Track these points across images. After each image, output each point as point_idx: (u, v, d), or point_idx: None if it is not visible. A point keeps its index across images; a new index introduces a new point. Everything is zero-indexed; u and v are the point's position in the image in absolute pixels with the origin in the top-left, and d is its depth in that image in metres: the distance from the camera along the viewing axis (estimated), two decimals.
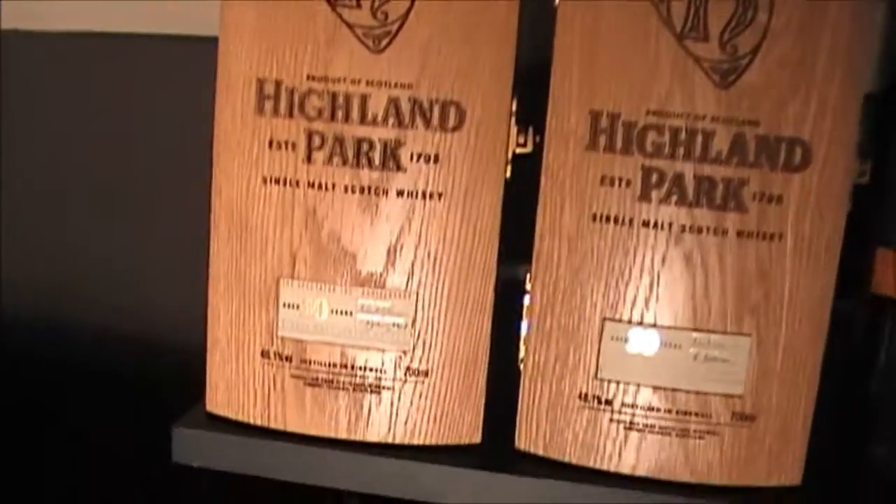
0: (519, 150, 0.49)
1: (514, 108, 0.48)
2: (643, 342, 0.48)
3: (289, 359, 0.50)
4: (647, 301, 0.48)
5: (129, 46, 0.70)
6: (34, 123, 0.76)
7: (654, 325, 0.48)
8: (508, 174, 0.48)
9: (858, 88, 0.46)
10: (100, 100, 0.74)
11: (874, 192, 0.49)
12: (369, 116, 0.47)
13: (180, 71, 0.71)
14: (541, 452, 0.50)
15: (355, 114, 0.47)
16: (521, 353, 0.50)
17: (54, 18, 0.74)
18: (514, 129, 0.48)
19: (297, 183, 0.48)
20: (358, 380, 0.50)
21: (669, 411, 0.49)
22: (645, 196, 0.47)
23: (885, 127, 0.49)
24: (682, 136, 0.46)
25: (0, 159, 0.76)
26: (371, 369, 0.50)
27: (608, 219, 0.47)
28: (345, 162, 0.48)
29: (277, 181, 0.48)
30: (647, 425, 0.49)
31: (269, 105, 0.48)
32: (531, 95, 0.48)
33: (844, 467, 0.51)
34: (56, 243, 0.76)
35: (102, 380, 0.73)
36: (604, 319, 0.48)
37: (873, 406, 0.51)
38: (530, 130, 0.49)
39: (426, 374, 0.50)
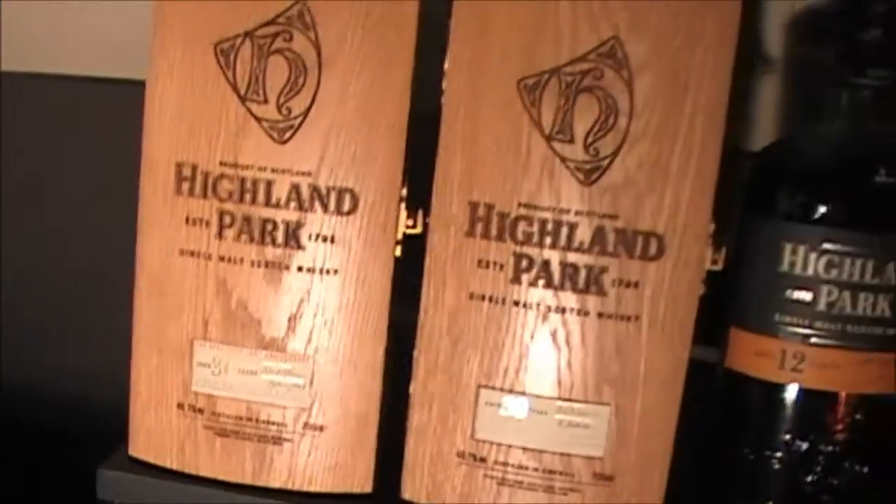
0: (409, 231, 0.54)
1: (404, 193, 0.54)
2: (514, 408, 0.54)
3: (201, 411, 0.56)
4: (517, 371, 0.53)
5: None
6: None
7: (524, 394, 0.53)
8: (399, 253, 0.54)
9: (710, 186, 0.51)
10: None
11: (728, 276, 0.54)
12: (273, 200, 0.53)
13: None
14: (423, 502, 0.56)
15: (261, 197, 0.53)
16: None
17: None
18: (403, 213, 0.54)
19: (210, 256, 0.54)
20: (262, 432, 0.56)
21: (537, 470, 0.54)
22: (516, 279, 0.53)
23: (741, 218, 0.55)
24: (549, 227, 0.52)
25: None
26: (273, 423, 0.55)
27: (483, 297, 0.53)
28: (252, 239, 0.54)
29: (192, 254, 0.54)
30: (516, 481, 0.54)
31: (186, 186, 0.54)
32: (424, 180, 0.54)
33: None
34: None
35: (32, 435, 0.78)
36: (479, 386, 0.54)
37: (731, 471, 0.57)
38: (420, 213, 0.54)
39: (322, 428, 0.55)
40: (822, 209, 0.53)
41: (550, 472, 0.54)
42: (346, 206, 0.53)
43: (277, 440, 0.56)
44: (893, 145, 0.54)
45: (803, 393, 0.54)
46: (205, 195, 0.54)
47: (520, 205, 0.52)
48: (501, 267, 0.53)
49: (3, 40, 0.77)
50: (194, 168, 0.54)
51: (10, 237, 0.79)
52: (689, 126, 0.51)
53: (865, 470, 0.54)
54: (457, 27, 0.52)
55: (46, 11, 0.77)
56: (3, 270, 0.79)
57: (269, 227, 0.53)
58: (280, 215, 0.53)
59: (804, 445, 0.54)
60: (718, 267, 0.53)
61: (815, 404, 0.54)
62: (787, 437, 0.54)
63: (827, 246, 0.52)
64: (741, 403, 0.56)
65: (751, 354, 0.54)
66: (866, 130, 0.54)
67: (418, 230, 0.54)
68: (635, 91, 0.51)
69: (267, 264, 0.54)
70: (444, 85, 0.52)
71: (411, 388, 0.55)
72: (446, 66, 0.52)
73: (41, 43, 0.77)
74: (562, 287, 0.52)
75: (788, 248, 0.53)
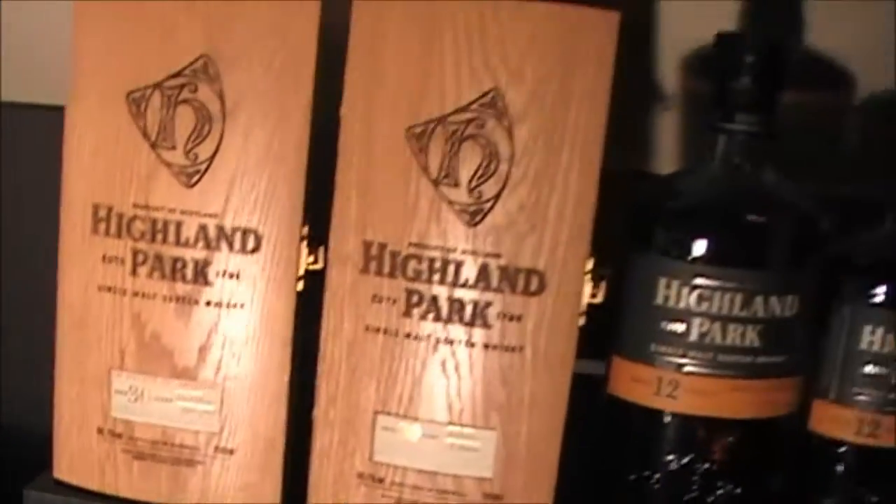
0: (312, 267, 0.58)
1: (305, 232, 0.58)
2: (408, 432, 0.58)
3: (120, 436, 0.60)
4: (411, 398, 0.57)
5: None
6: None
7: (417, 419, 0.57)
8: (301, 287, 0.58)
9: (587, 227, 0.55)
10: None
11: (609, 308, 0.58)
12: (183, 239, 0.57)
13: None
14: None
15: (171, 237, 0.57)
16: None
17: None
18: (304, 251, 0.58)
19: (125, 291, 0.58)
20: (176, 455, 0.59)
21: (430, 490, 0.58)
22: (408, 313, 0.57)
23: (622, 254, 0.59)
24: (438, 264, 0.56)
25: None
26: (186, 447, 0.59)
27: (378, 330, 0.57)
28: (163, 276, 0.58)
29: (109, 289, 0.58)
30: (412, 501, 0.59)
31: (102, 226, 0.58)
32: (326, 218, 0.58)
33: None
34: None
35: None
36: (376, 412, 0.58)
37: (616, 491, 0.60)
38: (321, 250, 0.58)
39: (232, 451, 0.59)
40: (695, 246, 0.56)
41: (443, 491, 0.58)
42: (251, 245, 0.57)
43: (190, 462, 0.59)
44: (763, 187, 0.58)
45: (679, 417, 0.57)
46: (119, 235, 0.57)
47: (410, 244, 0.56)
48: (394, 301, 0.56)
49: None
50: (109, 209, 0.57)
51: None
52: (566, 171, 0.55)
53: (738, 490, 0.58)
54: (350, 78, 0.55)
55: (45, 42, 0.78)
56: None
57: (179, 264, 0.57)
58: (189, 254, 0.57)
59: (680, 466, 0.58)
60: (598, 300, 0.57)
61: (690, 428, 0.58)
62: (665, 458, 0.58)
63: (698, 281, 0.56)
64: (622, 426, 0.59)
65: (629, 381, 0.58)
66: (738, 173, 0.58)
67: (320, 265, 0.58)
68: (515, 139, 0.54)
69: (178, 299, 0.58)
70: (340, 132, 0.56)
71: (314, 414, 0.59)
72: (341, 113, 0.56)
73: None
74: (450, 320, 0.56)
75: (663, 282, 0.57)
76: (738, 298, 0.56)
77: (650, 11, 0.72)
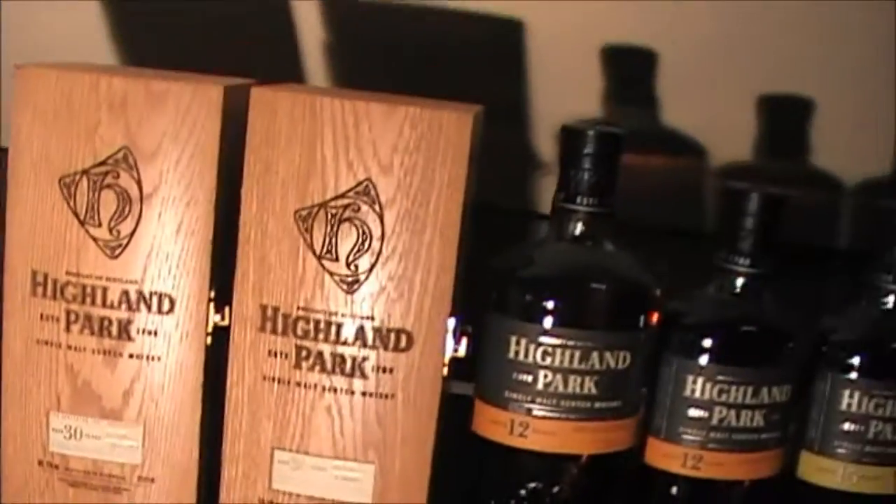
0: (220, 324, 0.68)
1: (212, 295, 0.68)
2: (301, 465, 0.68)
3: (57, 467, 0.70)
4: (302, 437, 0.68)
5: None
6: None
7: (307, 454, 0.68)
8: (210, 342, 0.68)
9: (448, 294, 0.66)
10: None
11: (472, 361, 0.69)
12: (108, 302, 0.67)
13: None
14: None
15: (99, 300, 0.67)
16: None
17: None
18: (212, 311, 0.68)
19: (60, 345, 0.68)
20: (105, 483, 0.70)
21: None
22: (298, 365, 0.67)
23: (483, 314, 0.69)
24: (322, 325, 0.66)
25: None
26: (114, 476, 0.70)
27: (274, 379, 0.67)
28: (92, 332, 0.68)
29: (46, 343, 0.68)
30: None
31: (39, 289, 0.68)
32: (230, 284, 0.68)
33: None
34: None
35: None
36: (273, 448, 0.68)
37: None
38: (227, 309, 0.68)
39: (153, 480, 0.70)
40: (541, 310, 0.67)
41: None
42: (166, 306, 0.67)
43: (118, 490, 0.70)
44: (601, 259, 0.68)
45: (529, 453, 0.68)
46: (55, 297, 0.68)
47: (299, 308, 0.66)
48: (286, 356, 0.67)
49: None
50: (45, 275, 0.68)
51: None
52: (429, 247, 0.65)
53: None
54: (248, 165, 0.66)
55: None
56: None
57: (106, 323, 0.68)
58: (114, 314, 0.67)
59: (531, 495, 0.68)
60: (461, 354, 0.68)
61: (538, 462, 0.68)
62: (518, 488, 0.69)
63: (543, 339, 0.67)
64: (485, 461, 0.70)
65: (488, 422, 0.69)
66: (580, 246, 0.68)
67: (227, 322, 0.68)
68: (385, 221, 0.65)
69: (105, 352, 0.68)
70: (241, 211, 0.66)
71: (223, 449, 0.69)
72: (242, 194, 0.66)
73: None
74: (333, 372, 0.67)
75: (514, 339, 0.67)
76: (577, 354, 0.67)
77: (527, 92, 0.83)
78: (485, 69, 0.85)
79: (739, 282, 0.69)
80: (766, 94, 0.86)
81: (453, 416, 0.71)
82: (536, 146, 0.81)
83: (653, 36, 0.81)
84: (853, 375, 0.69)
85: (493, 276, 0.69)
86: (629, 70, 0.86)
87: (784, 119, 0.86)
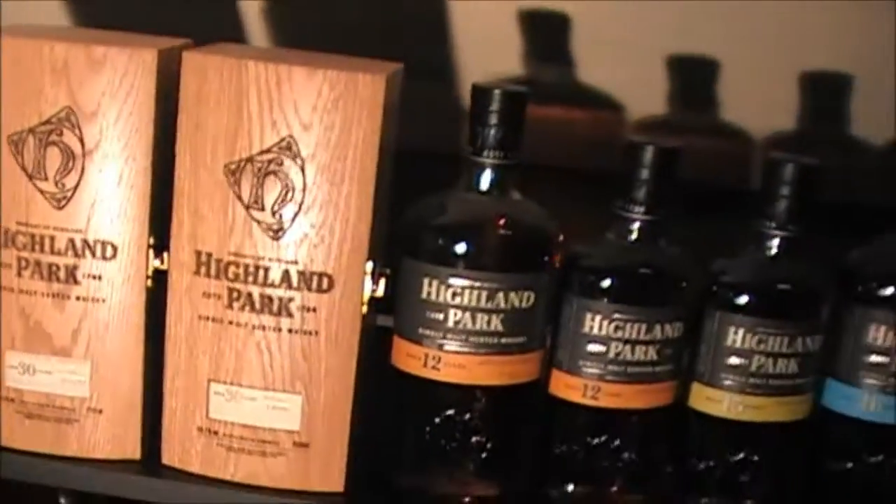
0: (160, 268, 0.75)
1: (152, 242, 0.74)
2: (235, 396, 0.75)
3: (13, 400, 0.77)
4: (235, 370, 0.75)
5: None
6: None
7: (241, 386, 0.75)
8: (151, 284, 0.75)
9: (365, 240, 0.72)
10: None
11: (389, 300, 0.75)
12: (56, 249, 0.74)
13: None
14: (177, 465, 0.77)
15: (47, 248, 0.74)
16: None
17: None
18: (152, 256, 0.74)
19: (13, 290, 0.75)
20: (58, 415, 0.77)
21: (253, 440, 0.76)
22: (230, 306, 0.74)
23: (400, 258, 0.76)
24: (251, 269, 0.73)
25: None
26: (66, 408, 0.77)
27: (209, 318, 0.74)
28: (42, 277, 0.74)
29: (2, 289, 0.75)
30: (240, 448, 0.76)
31: None
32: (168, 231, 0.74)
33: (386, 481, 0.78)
34: None
35: None
36: (209, 380, 0.75)
37: (404, 440, 0.78)
38: (166, 254, 0.75)
39: (101, 411, 0.77)
40: (450, 254, 0.73)
41: (263, 441, 0.76)
42: (109, 253, 0.74)
43: (69, 420, 0.77)
44: (506, 207, 0.75)
45: (441, 384, 0.75)
46: (7, 246, 0.74)
47: (229, 253, 0.73)
48: (219, 297, 0.74)
49: None
50: None
51: None
52: (347, 198, 0.71)
53: (490, 441, 0.76)
54: (181, 123, 0.72)
55: None
56: None
57: (54, 268, 0.74)
58: (61, 261, 0.74)
59: (444, 422, 0.75)
60: (379, 294, 0.74)
61: (450, 392, 0.75)
62: (433, 416, 0.76)
63: (452, 281, 0.73)
64: (403, 391, 0.77)
65: (405, 356, 0.76)
66: (487, 196, 0.75)
67: (165, 267, 0.75)
68: (306, 174, 0.71)
69: (54, 295, 0.75)
70: (175, 165, 0.73)
71: (164, 382, 0.76)
72: (176, 150, 0.72)
73: None
74: (262, 311, 0.73)
75: (426, 281, 0.74)
76: (484, 294, 0.73)
77: (453, 51, 0.89)
78: (416, 29, 0.91)
79: (635, 227, 0.75)
80: (676, 53, 0.92)
81: (383, 350, 0.77)
82: (464, 100, 0.87)
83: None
84: (738, 314, 0.75)
85: (408, 224, 0.75)
86: (546, 32, 0.92)
87: (693, 76, 0.93)
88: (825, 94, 0.94)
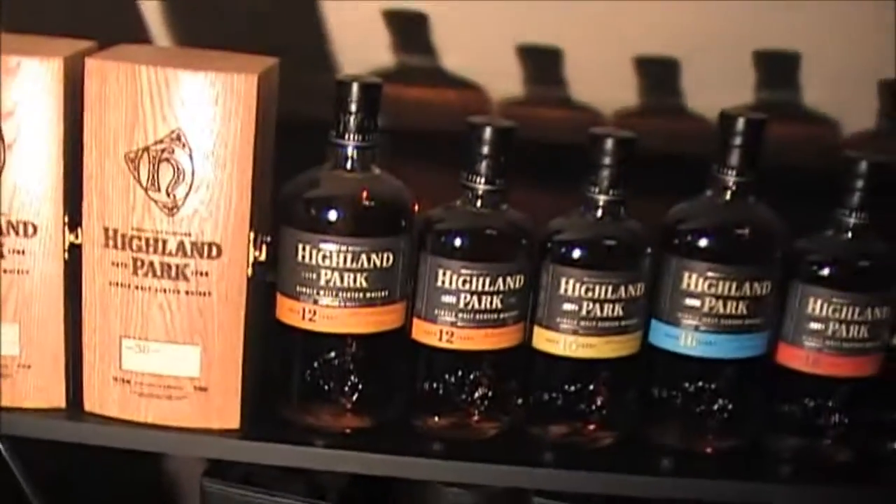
0: (76, 242, 0.88)
1: (66, 220, 0.88)
2: (143, 349, 0.89)
3: None
4: (143, 327, 0.88)
5: None
6: None
7: (147, 340, 0.88)
8: (67, 257, 0.88)
9: (246, 216, 0.85)
10: None
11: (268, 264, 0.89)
12: None
13: None
14: (97, 411, 0.91)
15: None
16: None
17: None
18: (67, 233, 0.88)
19: None
20: None
21: (161, 386, 0.89)
22: (135, 273, 0.87)
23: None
24: (151, 242, 0.86)
25: None
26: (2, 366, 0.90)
27: (118, 284, 0.87)
28: None
29: None
30: (150, 394, 0.90)
31: None
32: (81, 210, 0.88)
33: (276, 418, 0.92)
34: None
35: None
36: (121, 336, 0.89)
37: (290, 381, 0.92)
38: (79, 230, 0.88)
39: (29, 367, 0.90)
40: (321, 222, 0.87)
41: (168, 387, 0.89)
42: (30, 231, 0.87)
43: (5, 376, 0.90)
44: (369, 181, 0.88)
45: (319, 334, 0.89)
46: None
47: (132, 229, 0.86)
48: (126, 265, 0.87)
49: None
50: None
51: None
52: (229, 180, 0.85)
53: (363, 381, 0.90)
54: (86, 121, 0.85)
55: None
56: None
57: None
58: None
59: (323, 366, 0.89)
60: (262, 258, 0.88)
61: (328, 341, 0.89)
62: (312, 361, 0.89)
63: (323, 245, 0.87)
64: (287, 340, 0.91)
65: (287, 311, 0.89)
66: (351, 172, 0.88)
67: (79, 241, 0.88)
68: (194, 160, 0.84)
69: None
70: (84, 155, 0.86)
71: (83, 340, 0.90)
72: (83, 143, 0.86)
73: None
74: (162, 277, 0.87)
75: (301, 246, 0.87)
76: (350, 256, 0.87)
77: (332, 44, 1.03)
78: (300, 25, 1.05)
79: (480, 193, 0.89)
80: (524, 42, 1.06)
81: (273, 305, 0.91)
82: None
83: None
84: (569, 267, 0.89)
85: (284, 197, 0.89)
86: (409, 27, 1.06)
87: (539, 61, 1.08)
88: (656, 73, 1.09)
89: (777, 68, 1.08)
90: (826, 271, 0.92)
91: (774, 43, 1.06)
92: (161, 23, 1.08)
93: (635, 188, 0.90)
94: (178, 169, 0.84)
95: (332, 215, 0.87)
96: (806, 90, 1.08)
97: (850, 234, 0.92)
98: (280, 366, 0.92)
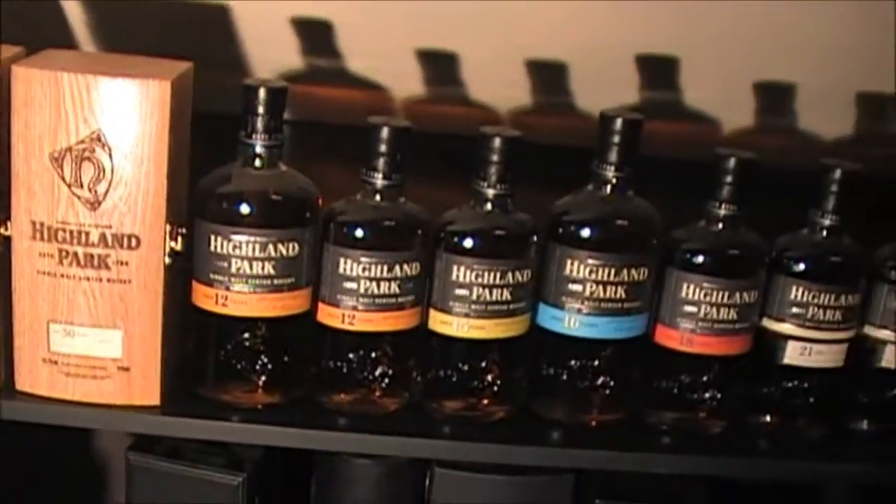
0: (6, 234, 0.96)
1: None
2: (70, 333, 0.97)
3: None
4: (69, 313, 0.96)
5: None
6: None
7: (73, 324, 0.96)
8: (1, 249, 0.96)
9: (161, 209, 0.94)
10: None
11: (184, 253, 0.97)
12: None
13: None
14: (28, 389, 0.99)
15: None
16: None
17: None
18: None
19: None
20: None
21: (87, 367, 0.97)
22: (61, 262, 0.95)
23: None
24: (75, 233, 0.94)
25: None
26: None
27: (46, 273, 0.95)
28: None
29: None
30: (76, 374, 0.97)
31: None
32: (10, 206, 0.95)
33: (194, 394, 1.01)
34: None
35: None
36: (48, 321, 0.97)
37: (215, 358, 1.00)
38: (8, 223, 0.96)
39: None
40: (233, 214, 0.95)
41: (94, 367, 0.97)
42: None
43: None
44: (277, 176, 0.97)
45: (232, 318, 0.97)
46: None
47: (58, 222, 0.94)
48: (52, 256, 0.95)
49: None
50: None
51: None
52: (146, 177, 0.93)
53: (272, 360, 0.98)
54: (13, 124, 0.93)
55: None
56: None
57: None
58: None
59: (236, 347, 0.97)
60: (179, 248, 0.96)
61: (239, 324, 0.97)
62: (226, 341, 0.98)
63: (234, 237, 0.95)
64: (203, 323, 0.99)
65: (202, 296, 0.98)
66: (259, 169, 0.97)
67: (10, 234, 0.96)
68: (114, 158, 0.92)
69: None
70: (10, 154, 0.94)
71: (13, 325, 0.98)
72: (11, 144, 0.94)
73: None
74: (86, 266, 0.95)
75: (213, 237, 0.95)
76: (258, 246, 0.95)
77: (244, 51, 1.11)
78: (217, 33, 1.14)
79: (378, 188, 0.97)
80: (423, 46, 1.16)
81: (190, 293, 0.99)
82: None
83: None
84: (460, 255, 0.98)
85: (199, 192, 0.97)
86: (315, 33, 1.16)
87: (436, 64, 1.18)
88: (547, 74, 1.18)
89: (658, 71, 1.18)
90: (698, 259, 1.01)
91: (656, 48, 1.15)
92: (85, 29, 1.16)
93: (528, 181, 0.98)
94: (98, 167, 0.92)
95: (242, 209, 0.95)
96: (686, 91, 1.17)
97: (720, 225, 1.01)
98: (197, 347, 1.00)
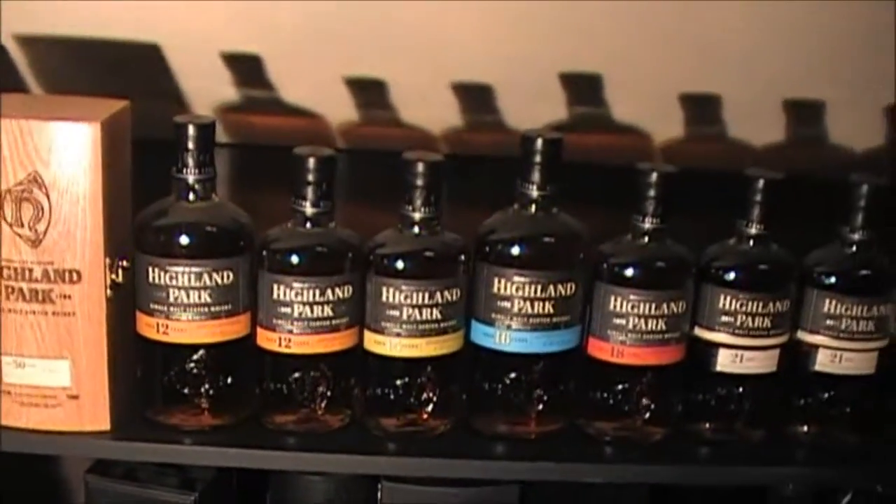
0: None
1: None
2: (21, 364, 1.02)
3: None
4: (18, 345, 1.01)
5: None
6: None
7: (23, 356, 1.02)
8: None
9: (100, 244, 0.99)
10: None
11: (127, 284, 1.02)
12: None
13: None
14: None
15: None
16: None
17: None
18: None
19: None
20: None
21: (38, 395, 1.02)
22: (8, 298, 1.00)
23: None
24: (19, 270, 0.99)
25: None
26: None
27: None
28: None
29: None
30: (30, 402, 1.03)
31: None
32: None
33: (143, 418, 1.05)
34: None
35: None
36: (3, 354, 1.02)
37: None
38: None
39: None
40: (169, 246, 1.00)
41: (45, 396, 1.02)
42: None
43: None
44: (210, 209, 1.01)
45: (172, 345, 1.02)
46: None
47: (2, 260, 0.99)
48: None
49: None
50: None
51: None
52: (83, 214, 0.98)
53: (213, 386, 1.03)
54: None
55: None
56: None
57: None
58: None
59: (179, 373, 1.02)
60: (120, 280, 1.01)
61: (182, 350, 1.02)
62: (170, 368, 1.02)
63: (170, 268, 1.00)
64: (147, 352, 1.04)
65: (144, 325, 1.02)
66: (203, 202, 1.01)
67: None
68: (51, 198, 0.97)
69: None
70: None
71: None
72: None
73: None
74: (31, 301, 1.00)
75: (150, 269, 1.00)
76: (193, 276, 1.00)
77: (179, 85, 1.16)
78: (154, 69, 1.20)
79: (308, 215, 1.02)
80: (353, 75, 1.20)
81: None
82: None
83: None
84: (390, 277, 1.02)
85: (137, 226, 1.02)
86: (245, 67, 1.21)
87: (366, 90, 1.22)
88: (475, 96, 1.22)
89: (584, 86, 1.21)
90: (625, 272, 1.03)
91: (580, 65, 1.18)
92: (27, 70, 1.22)
93: (461, 195, 1.02)
94: (37, 206, 0.97)
95: (178, 241, 0.99)
96: (612, 106, 1.20)
97: (646, 239, 1.04)
98: (144, 373, 1.04)
